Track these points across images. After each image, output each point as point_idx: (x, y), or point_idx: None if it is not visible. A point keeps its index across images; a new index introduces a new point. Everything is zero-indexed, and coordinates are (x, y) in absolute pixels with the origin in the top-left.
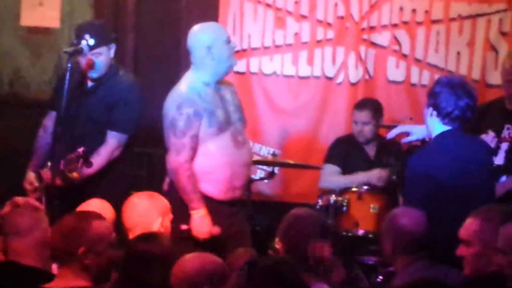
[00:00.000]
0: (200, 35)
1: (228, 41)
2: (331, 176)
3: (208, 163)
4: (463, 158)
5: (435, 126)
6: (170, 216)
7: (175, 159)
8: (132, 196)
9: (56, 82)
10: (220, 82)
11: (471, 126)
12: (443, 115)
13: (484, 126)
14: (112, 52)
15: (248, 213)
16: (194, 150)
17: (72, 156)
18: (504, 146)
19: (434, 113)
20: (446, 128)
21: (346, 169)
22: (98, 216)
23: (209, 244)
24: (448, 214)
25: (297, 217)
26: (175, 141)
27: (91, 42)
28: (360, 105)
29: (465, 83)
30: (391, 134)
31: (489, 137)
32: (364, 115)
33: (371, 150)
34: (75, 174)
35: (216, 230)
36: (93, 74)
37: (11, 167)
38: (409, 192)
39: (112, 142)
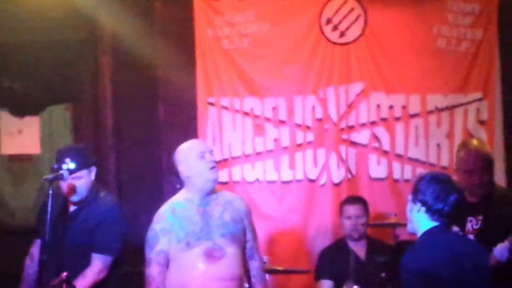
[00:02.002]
0: (177, 154)
1: (202, 156)
2: None
3: (179, 277)
4: (458, 253)
5: (422, 222)
6: None
7: (145, 272)
8: None
9: (39, 209)
10: (214, 197)
11: None
12: (433, 212)
13: None
14: (93, 175)
15: None
16: (161, 265)
17: (55, 282)
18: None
19: (423, 209)
20: (434, 223)
21: (339, 277)
22: None
23: None
24: None
25: None
26: (146, 256)
27: (72, 166)
28: (350, 200)
29: (450, 178)
30: None
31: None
32: (357, 209)
33: (360, 250)
34: None
35: None
36: (75, 198)
37: None
38: None
39: (97, 265)
